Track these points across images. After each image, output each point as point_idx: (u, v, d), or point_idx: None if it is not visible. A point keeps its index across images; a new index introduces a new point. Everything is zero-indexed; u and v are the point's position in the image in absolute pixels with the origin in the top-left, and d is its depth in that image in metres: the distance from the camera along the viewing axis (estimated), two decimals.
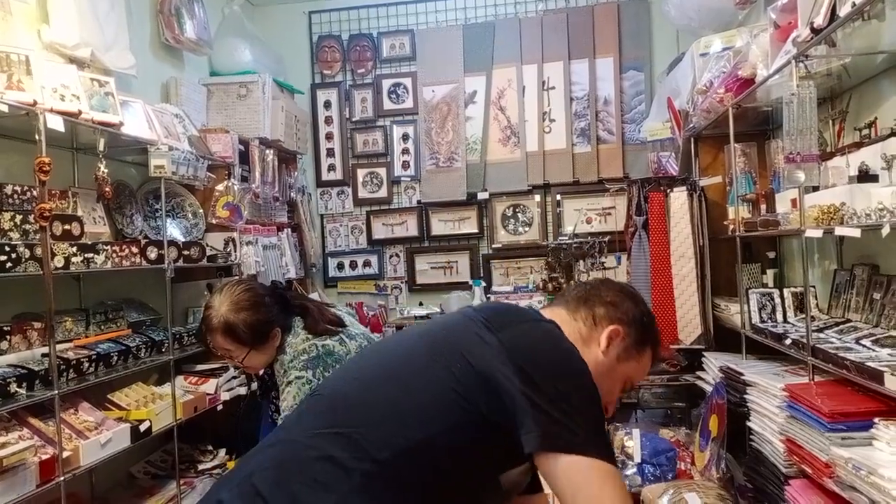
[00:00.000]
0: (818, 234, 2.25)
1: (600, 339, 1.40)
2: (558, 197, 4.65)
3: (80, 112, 2.51)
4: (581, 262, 4.02)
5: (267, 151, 3.97)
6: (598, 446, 1.14)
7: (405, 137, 4.86)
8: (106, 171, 2.66)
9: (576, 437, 1.12)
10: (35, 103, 2.30)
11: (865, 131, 2.52)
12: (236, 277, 3.30)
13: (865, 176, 2.22)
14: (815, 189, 2.39)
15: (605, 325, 1.41)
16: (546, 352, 1.21)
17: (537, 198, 4.70)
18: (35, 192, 2.39)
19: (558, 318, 1.39)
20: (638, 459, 2.91)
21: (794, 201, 2.53)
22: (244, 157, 3.74)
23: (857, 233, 2.01)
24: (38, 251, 2.26)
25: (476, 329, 1.23)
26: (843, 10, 1.93)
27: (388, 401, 1.19)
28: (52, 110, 2.36)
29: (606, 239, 4.16)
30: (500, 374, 1.16)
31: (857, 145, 2.44)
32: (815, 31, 2.10)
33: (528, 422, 1.13)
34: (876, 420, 1.85)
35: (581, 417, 1.15)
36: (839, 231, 2.10)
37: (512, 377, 1.15)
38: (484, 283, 4.52)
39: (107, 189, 2.68)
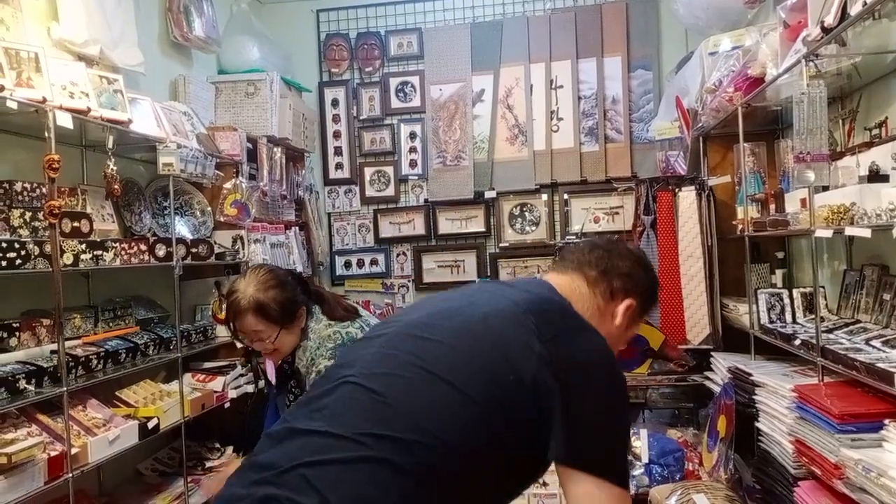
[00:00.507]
0: (828, 234, 2.24)
1: (616, 311, 1.44)
2: (566, 196, 4.64)
3: (88, 109, 2.51)
4: None
5: (275, 149, 3.97)
6: (619, 473, 1.19)
7: (412, 136, 4.85)
8: (115, 168, 2.66)
9: (601, 460, 1.17)
10: (44, 100, 2.31)
11: (876, 131, 2.50)
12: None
13: (876, 176, 2.21)
14: (825, 189, 2.38)
15: (622, 299, 1.45)
16: (591, 371, 1.22)
17: (545, 197, 4.69)
18: (44, 190, 2.40)
19: (577, 293, 1.41)
20: (646, 460, 2.91)
21: (803, 201, 2.52)
22: (252, 155, 3.75)
23: (867, 233, 2.00)
24: (48, 248, 2.27)
25: (525, 337, 1.21)
26: (854, 9, 1.92)
27: (436, 407, 1.18)
28: (61, 108, 2.36)
29: (614, 238, 4.14)
30: (543, 384, 1.17)
31: (868, 145, 2.43)
32: (826, 31, 2.09)
33: (560, 433, 1.17)
34: (886, 422, 1.84)
35: (611, 442, 1.21)
36: (849, 231, 2.09)
37: (554, 390, 1.17)
38: None
39: (115, 186, 2.68)
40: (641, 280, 1.48)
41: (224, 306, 2.25)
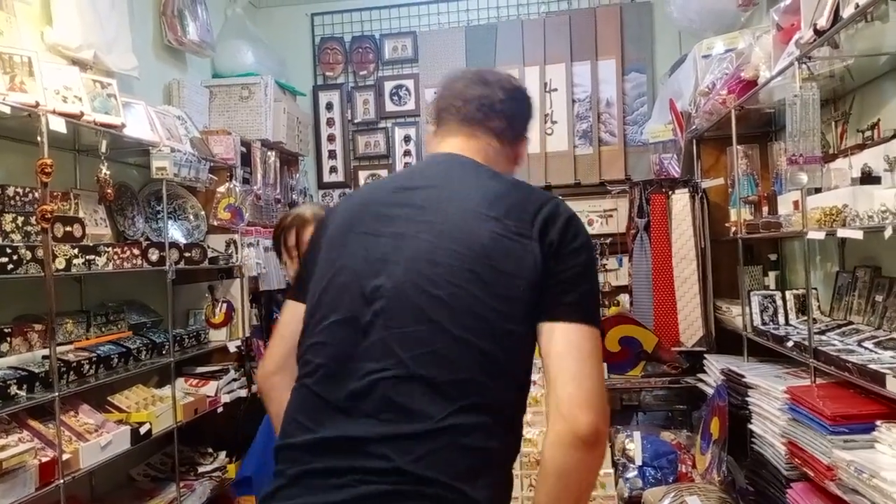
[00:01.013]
0: (821, 236, 2.25)
1: (519, 152, 1.50)
2: (559, 199, 4.62)
3: (82, 114, 2.51)
4: None
5: (269, 153, 3.97)
6: (597, 318, 1.25)
7: (407, 139, 4.85)
8: (108, 172, 2.66)
9: (587, 309, 1.22)
10: (37, 105, 2.30)
11: (868, 133, 2.51)
12: None
13: (868, 178, 2.22)
14: (818, 191, 2.39)
15: (521, 139, 1.49)
16: (572, 237, 1.26)
17: None
18: (37, 194, 2.39)
19: (494, 153, 1.42)
20: (639, 462, 2.91)
21: (796, 203, 2.53)
22: (246, 159, 3.74)
23: (859, 235, 2.00)
24: (40, 253, 2.26)
25: (516, 242, 1.23)
26: (847, 12, 1.93)
27: (486, 359, 1.19)
28: (54, 112, 2.36)
29: (608, 241, 4.15)
30: (545, 271, 1.22)
31: (860, 147, 2.43)
32: (819, 33, 2.10)
33: (550, 296, 1.22)
34: (878, 423, 1.85)
35: (591, 291, 1.26)
36: (842, 233, 2.10)
37: (553, 270, 1.22)
38: None
39: (108, 191, 2.68)
40: (531, 113, 1.52)
41: (282, 226, 2.25)
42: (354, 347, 1.21)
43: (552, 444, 1.16)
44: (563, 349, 1.18)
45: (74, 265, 2.43)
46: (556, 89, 4.66)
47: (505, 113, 1.43)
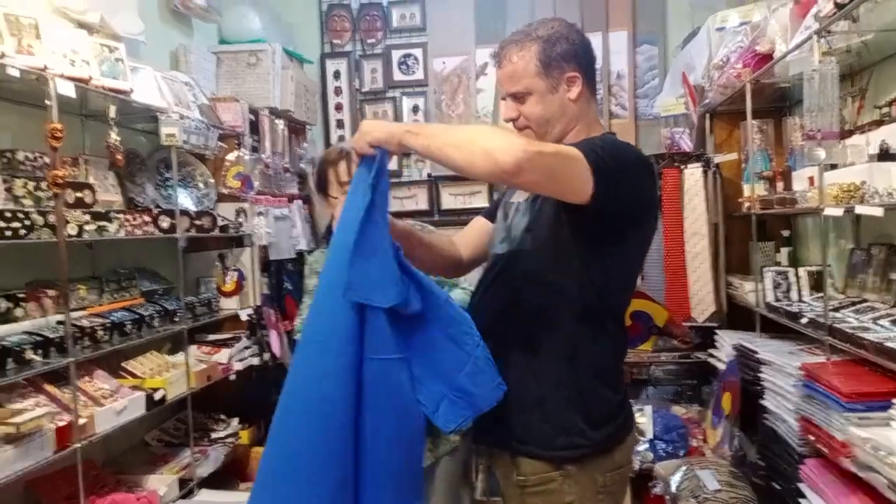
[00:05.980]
0: (839, 212, 2.23)
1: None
2: None
3: (90, 78, 2.47)
4: None
5: (277, 121, 3.93)
6: None
7: (415, 109, 4.80)
8: (118, 138, 2.63)
9: None
10: (45, 68, 2.26)
11: (885, 110, 2.48)
12: None
13: (886, 154, 2.19)
14: (833, 167, 2.37)
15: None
16: None
17: None
18: (46, 159, 2.37)
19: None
20: (650, 436, 2.93)
21: (811, 179, 2.51)
22: (254, 127, 3.71)
23: (880, 212, 1.99)
24: (52, 218, 2.25)
25: None
26: None
27: None
28: (62, 76, 2.32)
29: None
30: None
31: (878, 123, 2.41)
32: (839, 6, 2.06)
33: None
34: (894, 401, 1.85)
35: None
36: (860, 210, 2.08)
37: None
38: None
39: (118, 157, 2.65)
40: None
41: (319, 163, 2.41)
42: None
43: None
44: None
45: (86, 231, 2.41)
46: None
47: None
